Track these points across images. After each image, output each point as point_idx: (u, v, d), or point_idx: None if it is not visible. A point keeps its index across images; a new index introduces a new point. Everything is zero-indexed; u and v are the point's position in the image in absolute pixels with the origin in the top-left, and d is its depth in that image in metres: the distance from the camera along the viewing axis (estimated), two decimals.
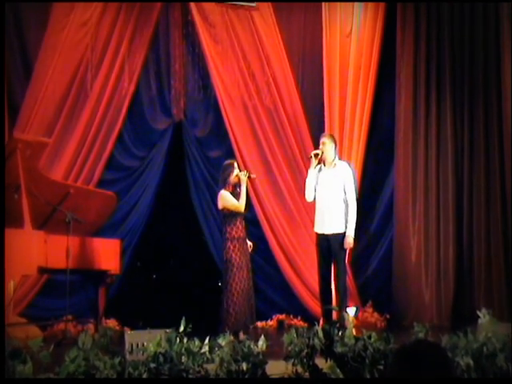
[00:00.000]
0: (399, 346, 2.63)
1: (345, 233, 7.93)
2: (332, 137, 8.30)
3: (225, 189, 7.83)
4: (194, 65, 10.33)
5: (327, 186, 7.93)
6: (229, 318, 7.52)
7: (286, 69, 10.06)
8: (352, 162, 9.81)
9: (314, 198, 8.12)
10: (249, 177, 7.94)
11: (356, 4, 10.07)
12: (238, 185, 7.84)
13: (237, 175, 7.83)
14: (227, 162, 8.20)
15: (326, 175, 7.97)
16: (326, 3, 10.07)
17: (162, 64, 10.39)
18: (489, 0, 9.62)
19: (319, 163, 8.02)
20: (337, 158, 8.08)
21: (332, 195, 7.92)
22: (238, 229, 7.74)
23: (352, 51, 9.99)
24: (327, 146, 7.99)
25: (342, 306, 7.91)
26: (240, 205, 7.75)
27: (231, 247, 7.70)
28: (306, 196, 8.20)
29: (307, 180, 8.16)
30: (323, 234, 7.94)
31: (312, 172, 8.07)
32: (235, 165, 7.98)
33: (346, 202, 7.99)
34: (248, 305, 7.65)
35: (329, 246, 7.91)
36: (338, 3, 10.06)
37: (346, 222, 7.97)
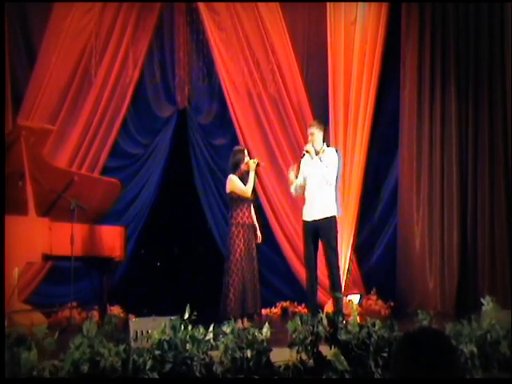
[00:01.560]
0: (404, 333, 2.62)
1: (334, 217, 7.82)
2: (320, 124, 8.12)
3: (234, 173, 7.82)
4: (199, 52, 10.33)
5: (315, 173, 7.77)
6: (228, 304, 7.53)
7: (291, 57, 10.04)
8: (357, 149, 9.82)
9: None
10: (258, 164, 7.90)
11: None
12: (246, 172, 7.81)
13: (247, 162, 7.82)
14: (238, 147, 8.22)
15: (314, 163, 7.79)
16: None
17: (166, 51, 10.39)
18: None
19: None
20: (325, 144, 7.93)
21: (320, 182, 7.75)
22: (244, 215, 7.73)
23: (356, 39, 9.94)
24: (316, 137, 7.83)
25: (339, 291, 7.81)
26: (247, 190, 7.72)
27: (235, 232, 7.69)
28: (297, 191, 8.03)
29: (299, 175, 7.97)
30: (313, 221, 7.74)
31: (304, 166, 7.95)
32: (245, 152, 7.94)
33: (334, 186, 7.89)
34: (250, 292, 7.62)
35: (317, 233, 7.74)
36: None
37: (337, 206, 7.91)
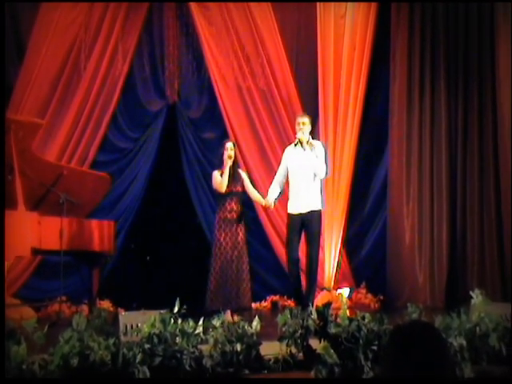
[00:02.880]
0: (394, 327, 2.62)
1: (320, 210, 7.78)
2: (309, 115, 8.08)
3: (219, 169, 7.84)
4: (188, 46, 10.31)
5: (305, 164, 7.67)
6: (208, 297, 7.63)
7: (281, 51, 10.02)
8: (346, 143, 9.83)
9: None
10: (231, 158, 7.80)
11: None
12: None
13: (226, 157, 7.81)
14: (225, 141, 8.20)
15: (300, 155, 7.71)
16: None
17: (155, 45, 10.37)
18: None
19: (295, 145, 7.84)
20: (310, 137, 7.83)
21: (309, 173, 7.66)
22: (225, 210, 7.74)
23: (346, 32, 9.93)
24: (307, 127, 7.77)
25: (313, 287, 7.79)
26: (219, 184, 7.74)
27: (217, 227, 7.75)
28: (276, 188, 7.97)
29: (281, 167, 7.95)
30: (299, 214, 7.67)
31: (289, 157, 7.88)
32: (226, 145, 7.88)
33: (320, 180, 7.81)
34: (234, 287, 7.62)
35: (302, 226, 7.69)
36: None
37: (322, 200, 7.86)
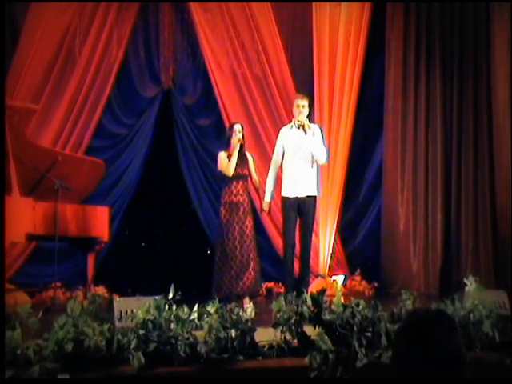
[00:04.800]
0: (405, 322, 2.48)
1: (316, 196, 7.60)
2: (309, 98, 7.91)
3: (225, 151, 7.62)
4: (183, 32, 10.28)
5: (304, 147, 7.51)
6: (215, 284, 7.38)
7: (276, 37, 10.00)
8: (341, 131, 9.83)
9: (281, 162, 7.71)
10: (239, 140, 7.58)
11: None
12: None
13: (234, 139, 7.58)
14: (232, 122, 8.07)
15: (300, 138, 7.55)
16: None
17: (150, 31, 10.35)
18: None
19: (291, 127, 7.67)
20: (307, 120, 7.67)
21: (308, 157, 7.52)
22: (231, 193, 7.47)
23: (342, 19, 9.92)
24: (307, 110, 7.61)
25: (307, 273, 7.69)
26: (226, 167, 7.47)
27: (223, 212, 7.48)
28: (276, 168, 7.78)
29: (277, 149, 7.76)
30: (295, 198, 7.49)
31: (287, 139, 7.68)
32: (235, 127, 7.67)
33: (317, 164, 7.64)
34: (241, 272, 7.37)
35: (298, 210, 7.52)
36: None
37: (319, 185, 7.69)
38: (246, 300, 7.34)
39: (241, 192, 7.52)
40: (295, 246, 7.68)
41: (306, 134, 7.52)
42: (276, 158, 7.76)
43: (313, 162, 7.55)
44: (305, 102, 7.61)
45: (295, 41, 10.31)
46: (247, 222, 7.51)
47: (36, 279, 9.21)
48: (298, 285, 7.38)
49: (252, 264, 7.45)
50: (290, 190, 7.56)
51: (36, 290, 8.83)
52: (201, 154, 10.10)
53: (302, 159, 7.53)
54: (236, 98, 10.04)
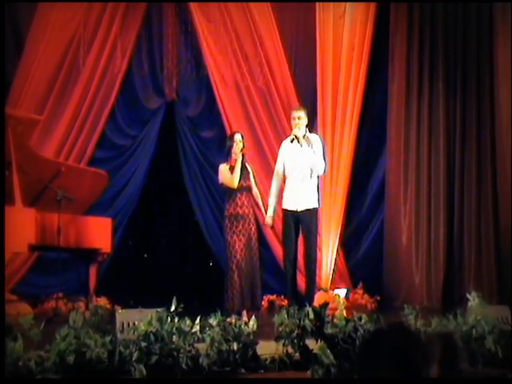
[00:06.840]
0: (373, 332, 2.56)
1: (316, 208, 7.52)
2: (305, 108, 7.84)
3: (226, 162, 7.51)
4: (187, 44, 10.32)
5: (302, 160, 7.43)
6: (227, 299, 7.24)
7: (279, 49, 10.01)
8: (344, 143, 9.82)
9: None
10: (241, 150, 7.47)
11: None
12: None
13: (234, 150, 7.45)
14: (233, 132, 8.01)
15: (297, 150, 7.47)
16: None
17: (154, 42, 10.38)
18: None
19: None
20: (307, 130, 7.62)
21: (307, 170, 7.43)
22: (236, 205, 7.36)
23: (345, 32, 9.91)
24: (303, 121, 7.52)
25: (313, 288, 7.63)
26: (231, 179, 7.36)
27: (228, 225, 7.36)
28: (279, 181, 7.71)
29: (278, 164, 7.68)
30: (295, 211, 7.40)
31: (286, 153, 7.62)
32: (235, 137, 7.55)
33: (317, 176, 7.58)
34: (248, 285, 7.29)
35: (298, 223, 7.42)
36: None
37: (319, 197, 7.63)
38: (244, 313, 7.25)
39: (246, 204, 7.44)
40: (296, 259, 7.60)
41: (301, 146, 7.45)
42: (277, 171, 7.73)
43: (311, 174, 7.50)
44: (300, 113, 7.55)
45: (298, 53, 10.31)
46: (251, 234, 7.43)
47: (38, 289, 9.20)
48: (303, 299, 7.31)
49: (258, 276, 7.43)
50: (289, 203, 7.51)
51: (38, 301, 8.82)
52: (203, 166, 10.11)
53: (300, 173, 7.47)
54: (239, 110, 10.05)
